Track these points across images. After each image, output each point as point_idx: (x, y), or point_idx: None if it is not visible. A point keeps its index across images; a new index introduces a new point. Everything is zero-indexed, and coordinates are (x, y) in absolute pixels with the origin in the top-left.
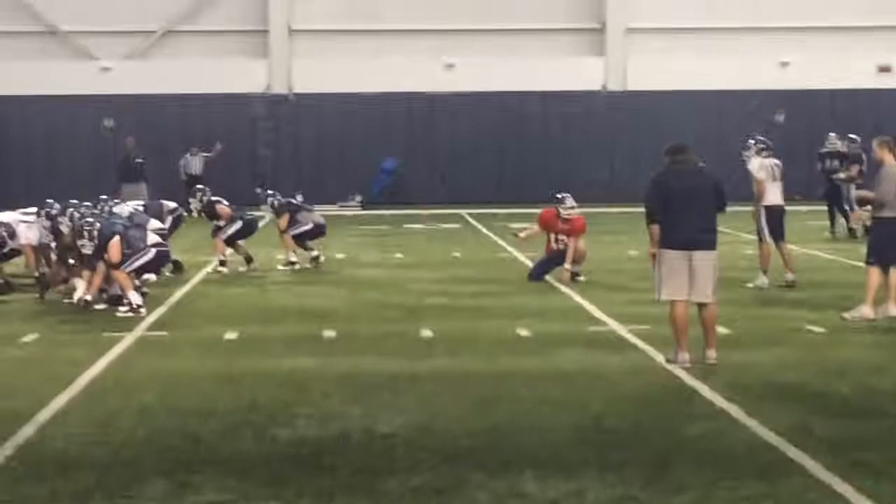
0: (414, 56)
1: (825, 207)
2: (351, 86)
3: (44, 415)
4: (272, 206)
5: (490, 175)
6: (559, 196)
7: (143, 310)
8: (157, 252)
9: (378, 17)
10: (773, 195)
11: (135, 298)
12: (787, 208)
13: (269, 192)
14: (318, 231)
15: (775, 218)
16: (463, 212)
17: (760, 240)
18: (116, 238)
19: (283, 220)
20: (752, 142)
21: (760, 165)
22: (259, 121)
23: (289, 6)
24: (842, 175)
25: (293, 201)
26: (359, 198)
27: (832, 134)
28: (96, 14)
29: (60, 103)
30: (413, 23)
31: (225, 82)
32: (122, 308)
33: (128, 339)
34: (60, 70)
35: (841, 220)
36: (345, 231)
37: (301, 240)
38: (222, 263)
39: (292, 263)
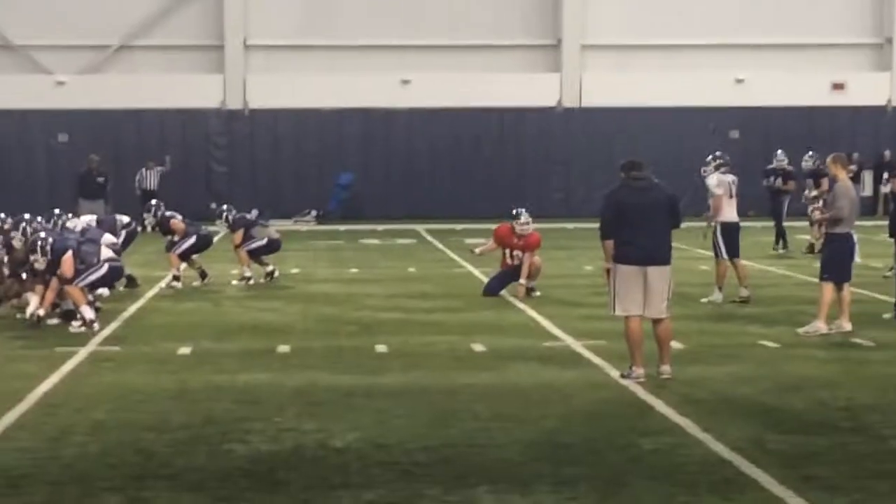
0: (370, 72)
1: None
2: (306, 101)
3: None
4: (226, 221)
5: (446, 191)
6: (515, 212)
7: (96, 325)
8: (111, 267)
9: (334, 33)
10: (729, 212)
11: (88, 313)
12: (741, 224)
13: (224, 206)
14: (272, 246)
15: (730, 234)
16: (418, 227)
17: (717, 256)
18: (69, 253)
19: (238, 236)
20: (710, 157)
21: (719, 181)
22: (214, 136)
23: (244, 21)
24: (814, 192)
25: (248, 216)
26: (314, 213)
27: (779, 151)
28: (51, 28)
29: (14, 117)
30: (369, 38)
31: (180, 97)
32: (74, 323)
33: (81, 354)
34: (14, 84)
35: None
36: (300, 246)
37: (256, 255)
38: (176, 278)
39: (247, 278)
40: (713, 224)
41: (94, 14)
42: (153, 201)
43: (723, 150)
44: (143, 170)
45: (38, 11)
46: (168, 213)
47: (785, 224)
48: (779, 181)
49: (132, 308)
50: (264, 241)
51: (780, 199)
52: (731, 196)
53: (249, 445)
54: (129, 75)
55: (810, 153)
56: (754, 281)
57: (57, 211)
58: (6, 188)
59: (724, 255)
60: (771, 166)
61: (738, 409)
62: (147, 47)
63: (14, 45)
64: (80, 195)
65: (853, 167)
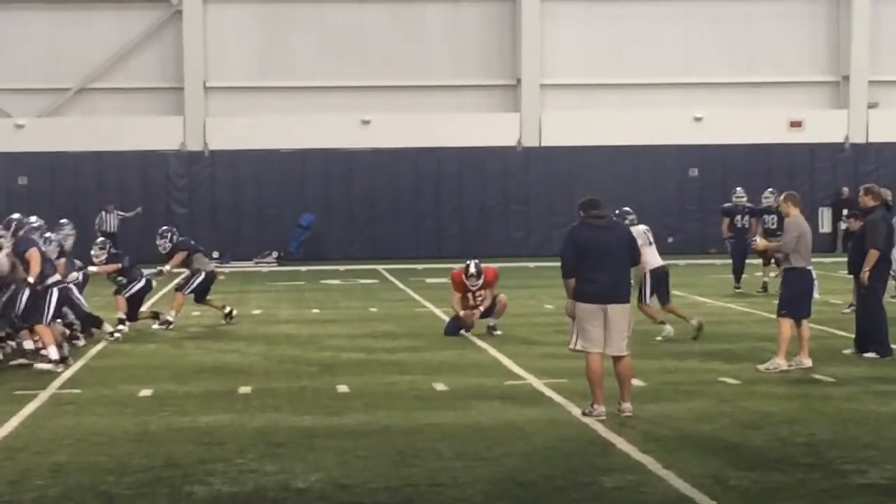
0: (330, 112)
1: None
2: (267, 142)
3: None
4: (171, 241)
5: (407, 231)
6: (466, 265)
7: (60, 367)
8: (59, 291)
9: (293, 74)
10: (654, 258)
11: (53, 354)
12: (702, 262)
13: (166, 227)
14: (210, 279)
15: (659, 280)
16: (380, 267)
17: (641, 300)
18: (34, 249)
19: (178, 258)
20: (617, 211)
21: (636, 233)
22: (174, 178)
23: (203, 63)
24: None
25: (192, 242)
26: (275, 254)
27: (739, 188)
28: (9, 72)
29: None
30: (329, 79)
31: (140, 139)
32: (40, 363)
33: (41, 397)
34: None
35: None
36: (261, 287)
37: (202, 297)
38: (122, 321)
39: (168, 322)
40: (643, 272)
41: (53, 57)
42: (99, 239)
43: (681, 188)
44: (103, 213)
45: None
46: (115, 252)
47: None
48: (746, 219)
49: (92, 350)
50: (202, 277)
51: (746, 237)
52: (650, 244)
53: (211, 487)
54: (89, 118)
55: (770, 190)
56: (715, 318)
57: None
58: None
59: (648, 300)
60: (729, 204)
61: (699, 445)
62: (106, 90)
63: None
64: None
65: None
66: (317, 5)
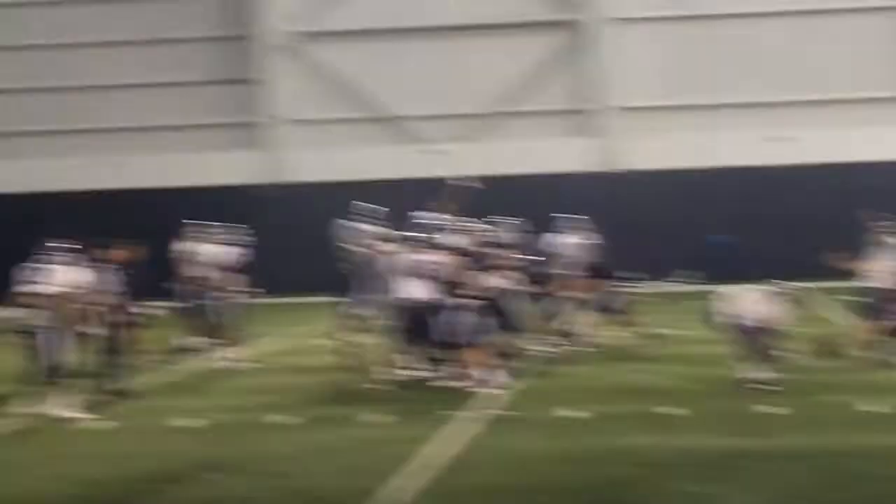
0: (744, 130)
1: None
2: (680, 161)
3: (383, 492)
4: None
5: (821, 248)
6: None
7: (498, 389)
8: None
9: (705, 92)
10: None
11: (483, 376)
12: None
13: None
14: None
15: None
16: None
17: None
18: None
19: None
20: None
21: None
22: (589, 197)
23: (613, 83)
24: None
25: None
26: (688, 273)
27: None
28: (422, 99)
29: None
30: (743, 96)
31: (550, 161)
32: (486, 387)
33: (467, 418)
34: (392, 154)
35: None
36: (673, 307)
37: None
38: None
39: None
40: None
41: (463, 83)
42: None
43: None
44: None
45: (412, 84)
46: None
47: None
48: None
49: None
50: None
51: None
52: None
53: None
54: (501, 142)
55: None
56: None
57: None
58: None
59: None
60: None
61: None
62: (516, 114)
63: (391, 116)
64: None
65: None
66: (726, 21)
